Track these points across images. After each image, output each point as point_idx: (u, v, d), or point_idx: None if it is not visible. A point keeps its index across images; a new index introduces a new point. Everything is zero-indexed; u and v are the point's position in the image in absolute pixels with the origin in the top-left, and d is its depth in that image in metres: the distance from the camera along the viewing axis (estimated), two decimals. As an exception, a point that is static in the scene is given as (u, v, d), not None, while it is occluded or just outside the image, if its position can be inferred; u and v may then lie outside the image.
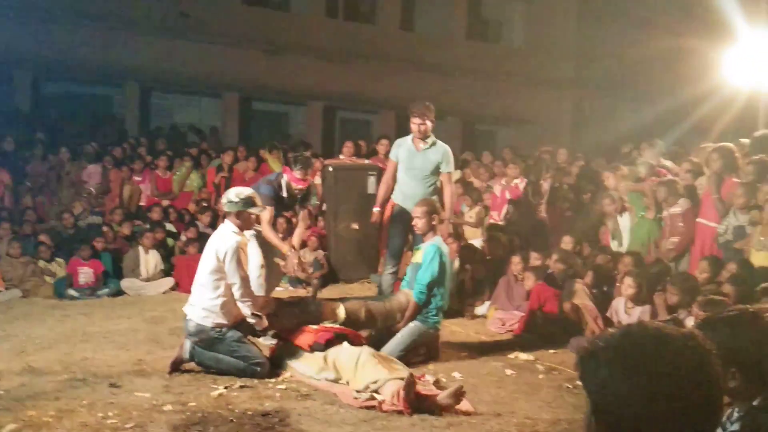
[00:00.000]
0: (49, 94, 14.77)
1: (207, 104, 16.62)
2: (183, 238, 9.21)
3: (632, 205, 7.59)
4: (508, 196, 9.22)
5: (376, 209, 6.85)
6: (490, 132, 19.19)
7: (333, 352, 4.83)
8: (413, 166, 6.55)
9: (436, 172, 6.56)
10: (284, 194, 6.29)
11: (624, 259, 6.77)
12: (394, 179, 6.71)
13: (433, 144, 6.56)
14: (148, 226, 9.24)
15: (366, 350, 4.73)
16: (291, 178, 6.25)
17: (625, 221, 7.63)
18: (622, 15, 16.88)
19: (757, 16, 10.13)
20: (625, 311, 5.98)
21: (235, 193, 5.22)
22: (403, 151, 6.60)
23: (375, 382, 4.38)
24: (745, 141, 7.67)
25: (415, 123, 6.45)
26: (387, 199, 6.78)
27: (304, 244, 9.21)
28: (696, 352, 1.23)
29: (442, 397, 4.29)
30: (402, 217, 6.53)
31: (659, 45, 14.41)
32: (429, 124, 6.45)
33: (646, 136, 9.59)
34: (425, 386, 4.59)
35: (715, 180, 6.71)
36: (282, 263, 6.35)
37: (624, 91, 17.45)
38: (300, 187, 6.33)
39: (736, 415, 2.12)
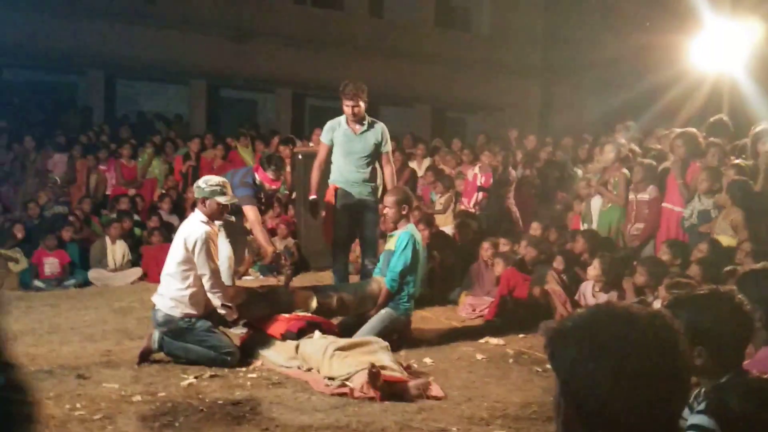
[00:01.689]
0: (10, 81, 14.43)
1: (174, 92, 16.39)
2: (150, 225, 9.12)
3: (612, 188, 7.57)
4: (480, 182, 9.24)
5: (312, 197, 6.55)
6: (460, 119, 19.24)
7: (302, 343, 4.81)
8: (352, 150, 6.28)
9: (376, 154, 6.35)
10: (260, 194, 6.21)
11: (579, 238, 6.85)
12: (326, 164, 6.45)
13: (371, 125, 6.32)
14: (114, 216, 9.11)
15: (332, 344, 4.65)
16: (263, 178, 6.10)
17: (596, 203, 7.68)
18: (589, 1, 17.00)
19: (721, 4, 10.27)
20: (593, 295, 6.05)
21: (204, 180, 5.16)
22: (340, 135, 6.30)
23: (347, 374, 4.37)
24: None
25: (347, 105, 6.15)
26: (320, 184, 6.51)
27: (273, 233, 9.19)
28: (663, 330, 1.24)
29: (411, 386, 4.31)
30: (346, 201, 6.30)
31: (626, 31, 14.54)
32: (362, 105, 6.20)
33: (613, 122, 9.69)
34: (398, 372, 4.58)
35: (680, 165, 6.81)
36: (266, 258, 6.30)
37: (591, 78, 17.58)
38: (273, 188, 6.26)
39: (702, 395, 2.16)
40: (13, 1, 13.05)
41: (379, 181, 6.40)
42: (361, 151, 6.28)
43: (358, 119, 6.25)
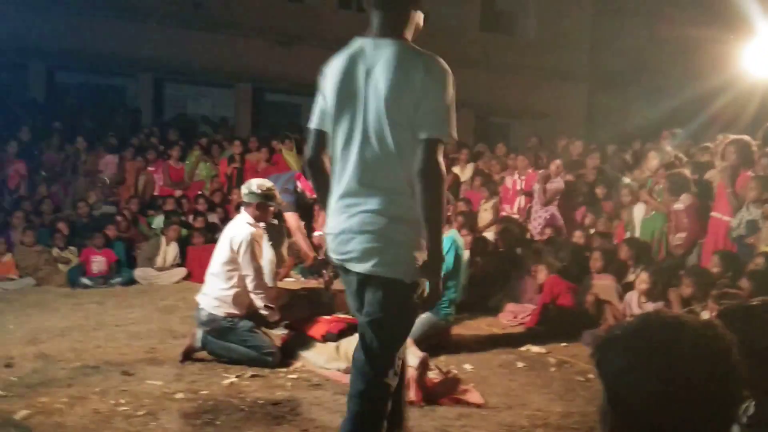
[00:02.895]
0: (63, 84, 14.82)
1: (220, 95, 16.62)
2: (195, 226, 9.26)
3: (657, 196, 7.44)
4: (520, 187, 9.15)
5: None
6: (504, 124, 19.10)
7: (345, 342, 4.83)
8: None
9: None
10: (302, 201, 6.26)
11: (622, 246, 6.73)
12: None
13: None
14: (162, 216, 9.29)
15: None
16: (305, 186, 6.16)
17: (639, 211, 7.55)
18: (637, 7, 16.73)
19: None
20: (639, 306, 5.93)
21: (257, 185, 5.19)
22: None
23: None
24: None
25: None
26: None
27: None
28: (715, 341, 1.21)
29: (440, 384, 4.29)
30: None
31: (674, 37, 14.28)
32: None
33: (660, 129, 9.50)
34: (436, 375, 4.56)
35: (730, 173, 6.62)
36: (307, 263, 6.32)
37: (639, 84, 17.30)
38: (314, 197, 6.31)
39: (752, 408, 2.10)
40: (65, 5, 13.42)
41: None
42: None
43: None
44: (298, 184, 6.19)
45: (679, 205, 6.85)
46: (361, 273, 2.69)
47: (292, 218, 6.05)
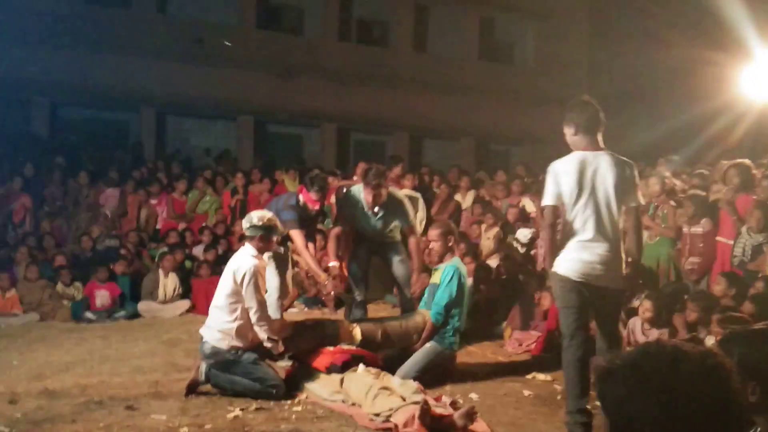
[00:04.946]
0: (66, 119, 14.96)
1: (222, 127, 16.76)
2: (201, 258, 9.26)
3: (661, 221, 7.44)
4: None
5: (333, 264, 6.30)
6: (505, 151, 19.20)
7: (347, 379, 4.80)
8: (370, 225, 6.25)
9: (397, 226, 6.31)
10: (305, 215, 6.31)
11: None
12: (346, 235, 6.39)
13: (389, 208, 6.17)
14: (165, 249, 9.30)
15: (377, 383, 4.63)
16: (307, 199, 6.23)
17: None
18: (633, 32, 16.91)
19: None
20: (642, 332, 5.91)
21: (257, 217, 5.21)
22: (359, 211, 6.22)
23: (389, 410, 4.35)
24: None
25: (369, 194, 6.02)
26: (340, 253, 6.42)
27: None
28: (714, 369, 1.22)
29: (456, 417, 4.26)
30: (365, 242, 6.32)
31: (671, 61, 14.41)
32: (384, 193, 6.08)
33: (659, 153, 9.55)
34: (443, 408, 4.54)
35: (731, 197, 6.65)
36: (323, 289, 6.31)
37: (636, 109, 17.40)
38: (316, 208, 6.35)
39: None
40: (68, 41, 13.59)
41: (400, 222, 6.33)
42: (380, 228, 6.28)
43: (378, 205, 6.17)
44: (300, 198, 6.25)
45: (698, 229, 6.81)
46: (599, 286, 4.26)
47: (298, 237, 6.07)
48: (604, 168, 4.25)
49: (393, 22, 17.55)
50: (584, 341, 4.27)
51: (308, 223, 6.45)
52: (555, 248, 4.33)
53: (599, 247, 4.23)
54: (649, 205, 7.74)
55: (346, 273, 6.36)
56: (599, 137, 4.34)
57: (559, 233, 4.38)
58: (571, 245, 4.27)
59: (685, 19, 14.93)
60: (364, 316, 6.34)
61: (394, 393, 4.52)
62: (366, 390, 4.54)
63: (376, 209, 6.17)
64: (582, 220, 4.25)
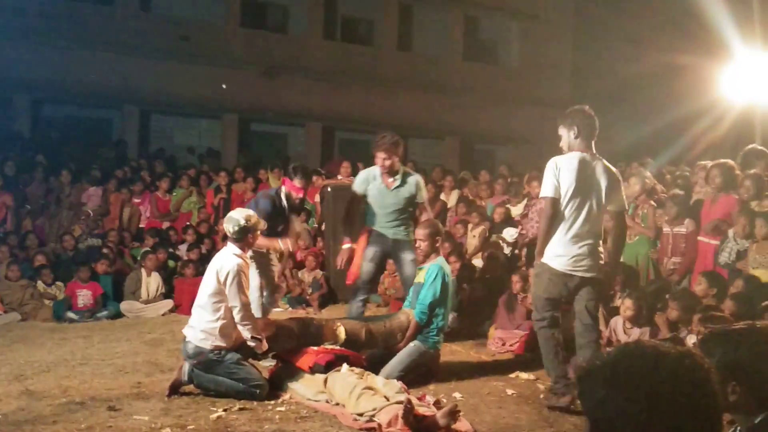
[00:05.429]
0: (48, 117, 14.84)
1: (206, 126, 16.70)
2: (185, 257, 9.21)
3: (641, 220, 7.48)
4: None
5: (346, 245, 6.39)
6: (489, 151, 19.27)
7: (330, 379, 4.80)
8: (386, 203, 6.25)
9: (411, 203, 6.32)
10: (285, 205, 6.28)
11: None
12: (357, 210, 6.41)
13: (404, 179, 6.26)
14: (148, 248, 9.24)
15: (361, 383, 4.63)
16: (290, 188, 6.23)
17: None
18: (617, 33, 17.03)
19: (750, 33, 10.22)
20: (624, 331, 5.95)
21: (242, 217, 5.19)
22: (373, 188, 6.25)
23: (372, 410, 4.35)
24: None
25: (380, 158, 6.13)
26: (354, 230, 6.46)
27: (302, 265, 9.23)
28: (693, 369, 1.23)
29: (439, 416, 4.27)
30: (379, 242, 6.28)
31: (654, 62, 14.53)
32: (396, 159, 6.17)
33: (642, 153, 9.60)
34: (426, 407, 4.55)
35: (715, 198, 6.69)
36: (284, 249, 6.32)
37: (620, 109, 17.52)
38: (300, 196, 6.34)
39: (738, 434, 2.11)
40: (51, 39, 13.48)
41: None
42: (394, 205, 6.26)
43: (391, 172, 6.22)
44: (283, 189, 6.25)
45: (681, 229, 6.85)
46: (585, 276, 4.74)
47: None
48: (599, 171, 4.70)
49: (378, 21, 17.57)
50: (556, 319, 4.87)
51: (292, 212, 6.43)
52: (549, 239, 4.71)
53: (587, 242, 4.68)
54: (629, 205, 7.78)
55: (358, 269, 6.33)
56: (593, 144, 4.76)
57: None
58: (563, 239, 4.68)
59: (667, 21, 15.08)
60: (361, 315, 6.33)
61: (377, 393, 4.52)
62: (350, 390, 4.54)
63: (391, 180, 6.21)
64: (575, 216, 4.65)
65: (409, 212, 6.35)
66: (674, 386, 1.19)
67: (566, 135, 4.78)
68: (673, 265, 6.91)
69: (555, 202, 4.64)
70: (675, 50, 13.25)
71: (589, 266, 4.70)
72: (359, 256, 6.36)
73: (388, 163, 6.14)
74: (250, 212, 5.36)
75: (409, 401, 4.25)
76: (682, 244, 6.84)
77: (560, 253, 4.70)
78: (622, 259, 7.33)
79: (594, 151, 4.76)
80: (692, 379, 1.21)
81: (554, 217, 4.69)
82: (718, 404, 1.25)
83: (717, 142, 10.16)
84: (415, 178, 6.33)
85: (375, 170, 6.29)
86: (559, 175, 4.65)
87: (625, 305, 5.90)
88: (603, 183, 4.68)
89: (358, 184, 6.39)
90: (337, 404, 4.64)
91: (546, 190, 4.67)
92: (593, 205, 4.67)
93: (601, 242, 4.82)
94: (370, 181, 6.30)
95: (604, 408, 1.22)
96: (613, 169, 4.81)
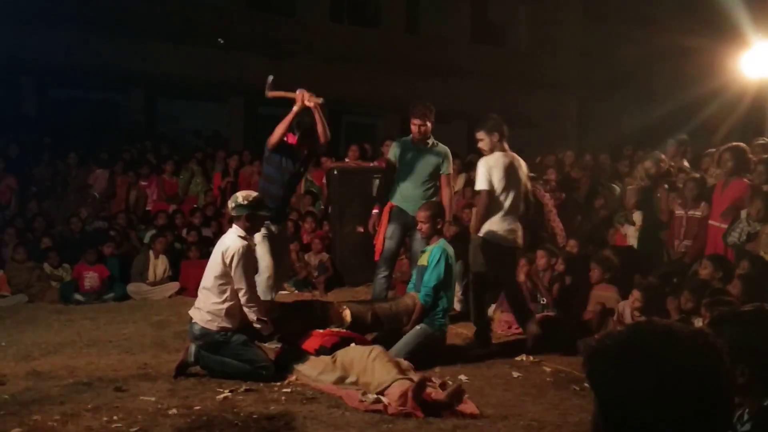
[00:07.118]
0: (54, 99, 14.82)
1: (213, 109, 16.64)
2: (190, 240, 9.21)
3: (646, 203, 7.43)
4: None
5: (375, 211, 6.82)
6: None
7: (341, 352, 4.82)
8: (413, 168, 6.43)
9: (436, 174, 6.46)
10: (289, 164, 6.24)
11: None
12: (393, 179, 6.62)
13: (434, 145, 6.48)
14: (154, 231, 9.24)
15: (377, 347, 4.76)
16: (289, 139, 6.23)
17: (637, 219, 7.54)
18: (627, 15, 16.85)
19: (764, 15, 10.08)
20: (632, 318, 5.90)
21: (242, 197, 5.19)
22: (403, 152, 6.49)
23: (381, 384, 4.36)
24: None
25: (415, 124, 6.35)
26: (386, 199, 6.66)
27: (308, 248, 9.21)
28: (705, 349, 1.20)
29: (445, 397, 4.27)
30: (400, 219, 6.42)
31: (664, 45, 14.37)
32: (429, 125, 6.36)
33: (652, 136, 9.50)
34: (433, 388, 4.55)
35: (726, 181, 6.61)
36: None
37: (629, 92, 17.40)
38: (291, 143, 6.26)
39: (747, 416, 2.09)
40: (57, 21, 13.43)
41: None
42: (422, 170, 6.42)
43: (423, 138, 6.40)
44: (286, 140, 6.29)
45: (696, 213, 6.80)
46: (518, 246, 6.05)
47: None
48: (517, 164, 5.94)
49: (385, 3, 17.42)
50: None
51: (294, 178, 6.44)
52: (485, 220, 5.81)
53: (516, 219, 5.90)
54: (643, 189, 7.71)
55: (381, 245, 6.52)
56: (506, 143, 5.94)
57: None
58: (503, 219, 5.84)
59: (677, 3, 14.89)
60: (385, 291, 6.52)
61: (391, 361, 4.54)
62: (366, 354, 4.61)
63: (422, 146, 6.42)
64: (509, 201, 5.83)
65: (434, 182, 6.48)
66: (687, 365, 1.17)
67: (488, 138, 5.84)
68: (684, 248, 6.86)
69: (490, 194, 5.75)
70: (685, 32, 13.09)
71: (520, 236, 5.93)
72: (382, 233, 6.51)
73: (423, 128, 6.35)
74: (252, 193, 5.34)
75: (423, 378, 4.25)
76: (695, 227, 6.77)
77: (505, 229, 5.82)
78: (636, 245, 7.39)
79: (507, 148, 5.90)
80: (705, 358, 1.19)
81: (490, 205, 5.78)
82: (731, 385, 1.22)
83: (725, 126, 10.03)
84: (444, 148, 6.55)
85: (407, 138, 6.56)
86: (491, 172, 5.74)
87: (634, 296, 5.86)
88: (522, 172, 5.97)
89: (392, 150, 6.65)
90: (344, 380, 4.64)
91: (481, 184, 5.75)
92: (520, 191, 5.91)
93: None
94: (400, 146, 6.54)
95: (613, 387, 1.19)
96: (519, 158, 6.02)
